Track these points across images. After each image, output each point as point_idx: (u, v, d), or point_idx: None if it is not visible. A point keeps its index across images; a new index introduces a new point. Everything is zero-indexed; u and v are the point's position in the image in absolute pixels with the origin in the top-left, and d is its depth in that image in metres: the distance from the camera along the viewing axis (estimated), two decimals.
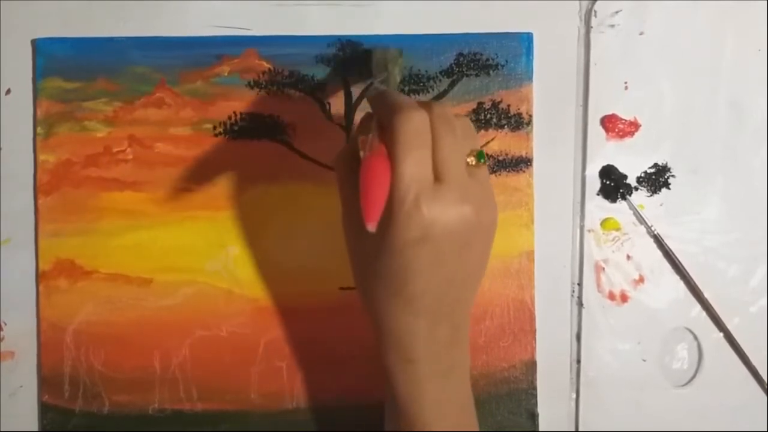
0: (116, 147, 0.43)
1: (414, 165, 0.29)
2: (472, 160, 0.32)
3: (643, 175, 0.45)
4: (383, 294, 0.33)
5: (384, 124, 0.31)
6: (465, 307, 0.35)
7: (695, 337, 0.45)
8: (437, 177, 0.30)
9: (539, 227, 0.44)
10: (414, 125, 0.30)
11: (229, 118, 0.43)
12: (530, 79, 0.44)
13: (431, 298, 0.32)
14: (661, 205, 0.45)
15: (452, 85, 0.44)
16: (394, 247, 0.30)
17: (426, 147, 0.30)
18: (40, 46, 0.43)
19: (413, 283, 0.31)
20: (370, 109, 0.35)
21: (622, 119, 0.45)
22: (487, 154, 0.32)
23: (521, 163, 0.44)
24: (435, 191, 0.30)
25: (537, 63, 0.44)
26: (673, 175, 0.45)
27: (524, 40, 0.44)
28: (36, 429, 0.43)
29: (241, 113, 0.43)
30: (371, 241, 0.29)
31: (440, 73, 0.44)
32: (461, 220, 0.30)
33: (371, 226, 0.28)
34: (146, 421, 0.43)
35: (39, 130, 0.43)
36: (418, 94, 0.44)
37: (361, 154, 0.31)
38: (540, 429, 0.44)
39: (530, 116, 0.44)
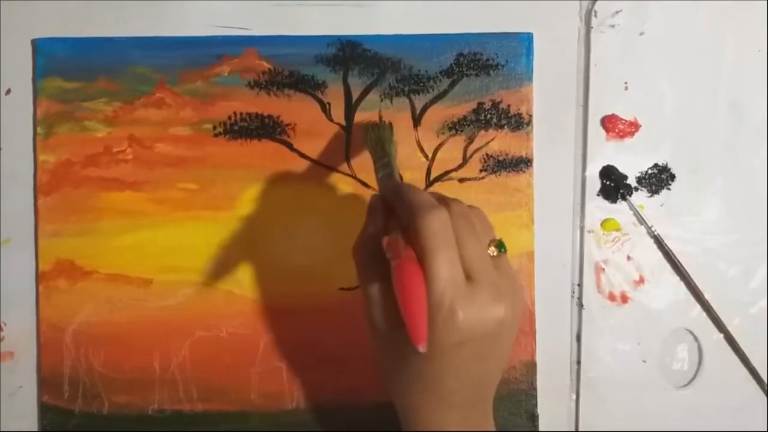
0: (116, 147, 0.43)
1: (446, 268, 0.29)
2: (493, 251, 0.32)
3: (643, 175, 0.45)
4: (419, 391, 0.32)
5: (405, 223, 0.31)
6: (494, 389, 0.35)
7: (695, 338, 0.45)
8: (467, 275, 0.30)
9: (539, 228, 0.44)
10: (439, 226, 0.29)
11: (229, 118, 0.43)
12: (530, 79, 0.44)
13: (467, 391, 0.32)
14: (661, 205, 0.45)
15: (452, 85, 0.44)
16: (433, 352, 0.29)
17: (453, 247, 0.30)
18: (40, 46, 0.43)
19: (451, 382, 0.31)
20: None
21: (622, 119, 0.45)
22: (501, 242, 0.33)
23: (521, 164, 0.44)
24: (469, 293, 0.29)
25: (537, 63, 0.44)
26: (673, 176, 0.45)
27: (524, 40, 0.44)
28: (36, 429, 0.43)
29: (241, 113, 0.43)
30: (404, 340, 0.28)
31: (440, 73, 0.44)
32: (497, 320, 0.30)
33: (422, 347, 0.28)
34: (146, 421, 0.43)
35: (39, 130, 0.43)
36: (418, 94, 0.44)
37: (389, 257, 0.30)
38: (540, 430, 0.44)
39: (530, 116, 0.44)
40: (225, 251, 0.43)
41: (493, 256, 0.32)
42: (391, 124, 0.42)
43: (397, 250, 0.30)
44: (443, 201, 0.31)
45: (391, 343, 0.32)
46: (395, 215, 0.32)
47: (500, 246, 0.33)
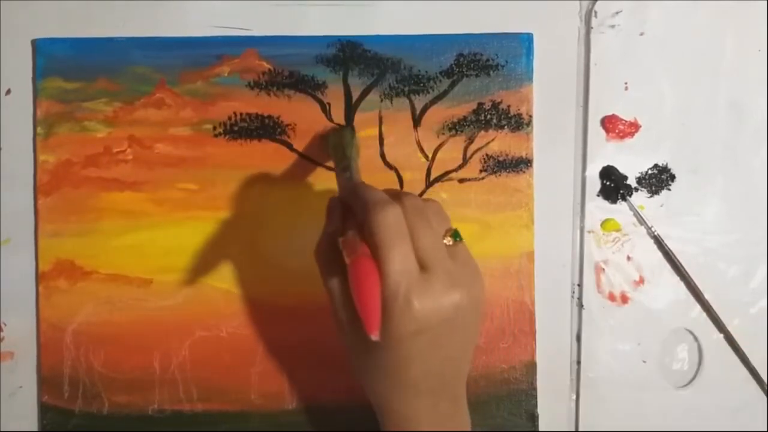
0: (116, 147, 0.43)
1: (399, 261, 0.30)
2: (449, 240, 0.33)
3: (643, 175, 0.45)
4: (385, 381, 0.33)
5: (360, 221, 0.32)
6: (463, 377, 0.35)
7: (695, 338, 0.45)
8: (422, 266, 0.31)
9: (539, 228, 0.44)
10: (391, 221, 0.30)
11: (229, 118, 0.43)
12: (530, 79, 0.44)
13: (432, 378, 0.33)
14: (661, 205, 0.45)
15: (452, 85, 0.44)
16: (391, 341, 0.31)
17: (406, 240, 0.31)
18: (40, 46, 0.43)
19: (414, 369, 0.32)
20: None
21: (622, 120, 0.45)
22: (458, 232, 0.34)
23: (521, 164, 0.44)
24: (423, 283, 0.30)
25: (537, 63, 0.44)
26: (673, 176, 0.45)
27: (524, 41, 0.44)
28: (36, 429, 0.43)
29: (241, 113, 0.43)
30: (365, 334, 0.30)
31: (440, 73, 0.44)
32: (453, 307, 0.31)
33: (375, 336, 0.29)
34: (146, 421, 0.43)
35: (39, 130, 0.43)
36: (418, 94, 0.44)
37: (345, 255, 0.31)
38: (540, 430, 0.44)
39: (530, 117, 0.44)
40: (225, 251, 0.43)
41: (449, 245, 0.33)
42: (352, 128, 0.43)
43: (353, 247, 0.31)
44: (397, 197, 0.32)
45: (355, 336, 0.33)
46: (352, 216, 0.33)
47: (455, 235, 0.33)
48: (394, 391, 0.33)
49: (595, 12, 0.44)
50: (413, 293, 0.30)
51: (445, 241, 0.33)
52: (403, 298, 0.30)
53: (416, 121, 0.44)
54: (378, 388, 0.34)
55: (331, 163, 0.43)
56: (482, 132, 0.44)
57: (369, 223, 0.31)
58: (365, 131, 0.44)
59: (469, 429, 0.36)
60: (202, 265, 0.43)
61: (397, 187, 0.44)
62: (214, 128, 0.43)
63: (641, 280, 0.45)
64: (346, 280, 0.31)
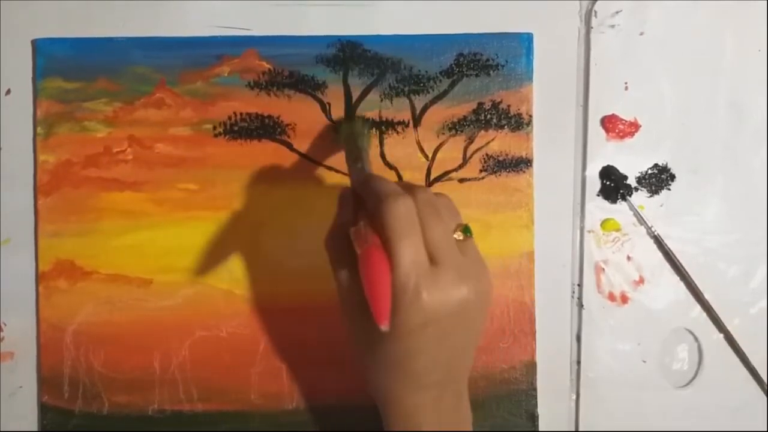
0: (116, 147, 0.43)
1: (410, 253, 0.30)
2: (459, 235, 0.33)
3: (643, 175, 0.45)
4: (389, 373, 0.33)
5: (371, 212, 0.32)
6: (466, 373, 0.36)
7: (695, 338, 0.45)
8: (432, 260, 0.31)
9: (539, 228, 0.44)
10: (403, 213, 0.31)
11: (229, 118, 0.43)
12: (530, 79, 0.44)
13: (437, 371, 0.33)
14: (661, 205, 0.45)
15: (452, 85, 0.44)
16: (399, 332, 0.31)
17: (417, 232, 0.31)
18: (40, 46, 0.43)
19: (420, 361, 0.32)
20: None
21: (622, 120, 0.45)
22: (469, 227, 0.34)
23: (521, 164, 0.44)
24: (433, 275, 0.31)
25: (537, 63, 0.44)
26: (673, 176, 0.45)
27: (524, 41, 0.44)
28: (36, 429, 0.43)
29: (241, 113, 0.43)
30: (374, 324, 0.30)
31: (440, 73, 0.44)
32: (461, 301, 0.31)
33: (384, 325, 0.29)
34: (146, 421, 0.43)
35: (39, 130, 0.43)
36: (418, 94, 0.44)
37: (356, 245, 0.31)
38: (540, 430, 0.44)
39: (530, 116, 0.44)
40: (225, 251, 0.43)
41: (459, 240, 0.33)
42: (365, 119, 0.42)
43: (364, 238, 0.31)
44: (409, 189, 0.32)
45: (362, 327, 0.33)
46: (364, 207, 0.33)
47: (466, 230, 0.34)
48: (399, 384, 0.33)
49: (595, 12, 0.44)
50: (423, 285, 0.30)
51: (455, 236, 0.33)
52: (412, 290, 0.30)
53: (416, 121, 0.44)
54: (383, 380, 0.34)
55: (330, 163, 0.43)
56: (482, 132, 0.44)
57: (381, 214, 0.31)
58: None
59: (471, 424, 0.36)
60: (202, 265, 0.43)
61: None
62: (214, 128, 0.43)
63: (641, 280, 0.45)
64: (355, 271, 0.31)
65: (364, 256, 0.30)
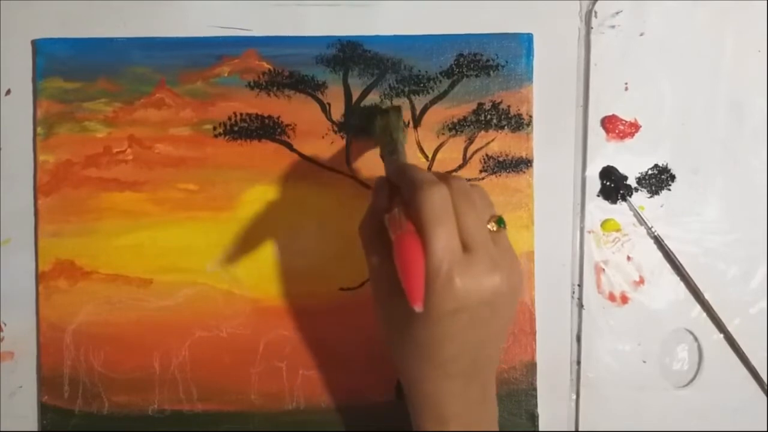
0: (116, 147, 0.43)
1: (444, 239, 0.30)
2: (493, 226, 0.34)
3: (643, 176, 0.45)
4: (418, 359, 0.34)
5: (407, 200, 0.32)
6: (493, 365, 0.36)
7: (695, 338, 0.45)
8: (465, 247, 0.31)
9: (539, 228, 0.44)
10: (438, 201, 0.31)
11: (229, 118, 0.43)
12: (530, 79, 0.44)
13: (465, 360, 0.33)
14: (661, 206, 0.45)
15: (452, 85, 0.44)
16: (431, 317, 0.31)
17: (451, 220, 0.31)
18: (40, 46, 0.43)
19: (448, 349, 0.33)
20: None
21: (622, 120, 0.45)
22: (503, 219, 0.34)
23: (521, 164, 0.44)
24: (466, 262, 0.31)
25: (537, 63, 0.44)
26: (673, 176, 0.45)
27: (524, 41, 0.44)
28: (36, 429, 0.43)
29: (241, 113, 0.43)
30: (404, 309, 0.30)
31: (440, 73, 0.44)
32: (492, 289, 0.31)
33: (418, 307, 0.29)
34: (146, 421, 0.43)
35: (39, 130, 0.43)
36: (418, 94, 0.44)
37: (390, 231, 0.32)
38: (540, 430, 0.44)
39: (530, 117, 0.44)
40: (225, 251, 0.43)
41: (493, 231, 0.33)
42: (399, 109, 0.42)
43: (398, 224, 0.31)
44: (444, 178, 0.33)
45: (392, 312, 0.33)
46: (399, 194, 0.34)
47: (500, 221, 0.34)
48: (426, 370, 0.34)
49: (595, 12, 0.44)
50: (455, 271, 0.30)
51: (489, 227, 0.33)
52: (445, 276, 0.30)
53: (416, 122, 0.44)
54: (410, 367, 0.34)
55: (330, 163, 0.43)
56: (482, 132, 0.44)
57: (416, 201, 0.31)
58: None
59: (497, 418, 0.36)
60: (202, 265, 0.43)
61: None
62: (214, 128, 0.43)
63: (641, 280, 0.45)
64: (387, 256, 0.32)
65: (399, 241, 0.31)
